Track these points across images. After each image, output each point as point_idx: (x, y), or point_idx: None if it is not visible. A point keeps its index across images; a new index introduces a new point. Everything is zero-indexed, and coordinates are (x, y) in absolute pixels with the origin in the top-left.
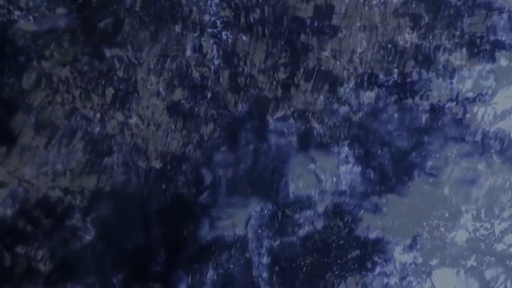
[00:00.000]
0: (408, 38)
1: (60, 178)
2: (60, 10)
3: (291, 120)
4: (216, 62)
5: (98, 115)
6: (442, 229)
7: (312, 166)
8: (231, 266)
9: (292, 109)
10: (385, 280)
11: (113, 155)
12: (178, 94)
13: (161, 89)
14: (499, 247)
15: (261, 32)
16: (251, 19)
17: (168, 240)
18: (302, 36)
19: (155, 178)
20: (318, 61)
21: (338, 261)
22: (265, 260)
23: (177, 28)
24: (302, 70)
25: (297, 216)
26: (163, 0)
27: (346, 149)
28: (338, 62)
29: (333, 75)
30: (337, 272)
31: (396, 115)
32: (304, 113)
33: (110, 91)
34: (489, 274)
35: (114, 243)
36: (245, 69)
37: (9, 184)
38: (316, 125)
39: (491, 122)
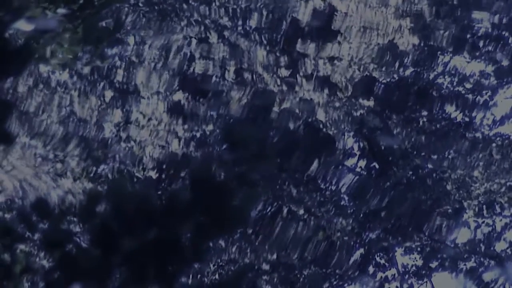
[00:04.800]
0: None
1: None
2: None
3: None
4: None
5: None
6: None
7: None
8: (230, 269)
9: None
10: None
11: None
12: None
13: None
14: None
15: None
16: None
17: (167, 242)
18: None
19: (154, 180)
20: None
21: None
22: (265, 266)
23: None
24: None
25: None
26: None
27: (350, 144)
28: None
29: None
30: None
31: (395, 116)
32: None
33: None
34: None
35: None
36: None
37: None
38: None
39: (491, 124)
